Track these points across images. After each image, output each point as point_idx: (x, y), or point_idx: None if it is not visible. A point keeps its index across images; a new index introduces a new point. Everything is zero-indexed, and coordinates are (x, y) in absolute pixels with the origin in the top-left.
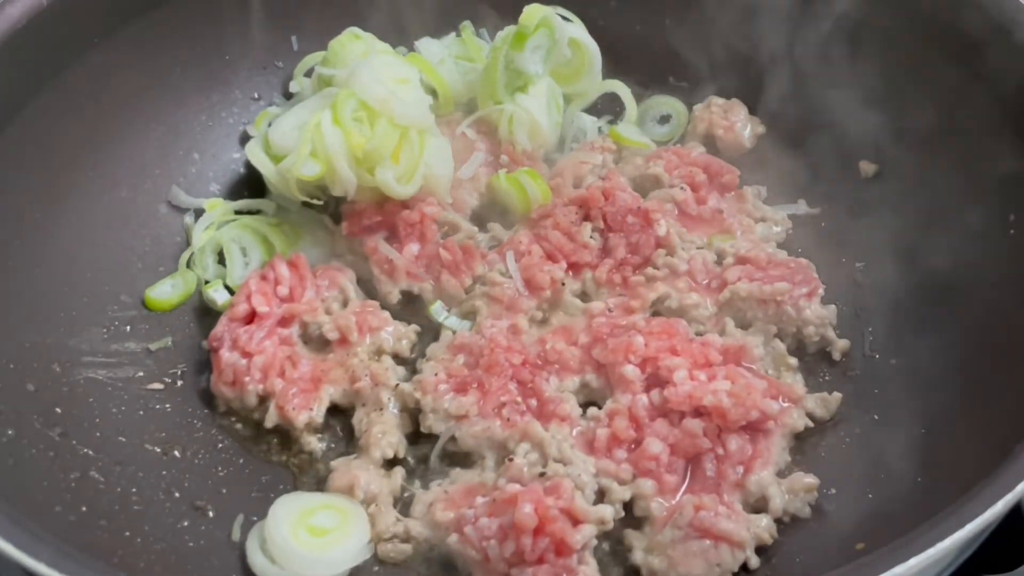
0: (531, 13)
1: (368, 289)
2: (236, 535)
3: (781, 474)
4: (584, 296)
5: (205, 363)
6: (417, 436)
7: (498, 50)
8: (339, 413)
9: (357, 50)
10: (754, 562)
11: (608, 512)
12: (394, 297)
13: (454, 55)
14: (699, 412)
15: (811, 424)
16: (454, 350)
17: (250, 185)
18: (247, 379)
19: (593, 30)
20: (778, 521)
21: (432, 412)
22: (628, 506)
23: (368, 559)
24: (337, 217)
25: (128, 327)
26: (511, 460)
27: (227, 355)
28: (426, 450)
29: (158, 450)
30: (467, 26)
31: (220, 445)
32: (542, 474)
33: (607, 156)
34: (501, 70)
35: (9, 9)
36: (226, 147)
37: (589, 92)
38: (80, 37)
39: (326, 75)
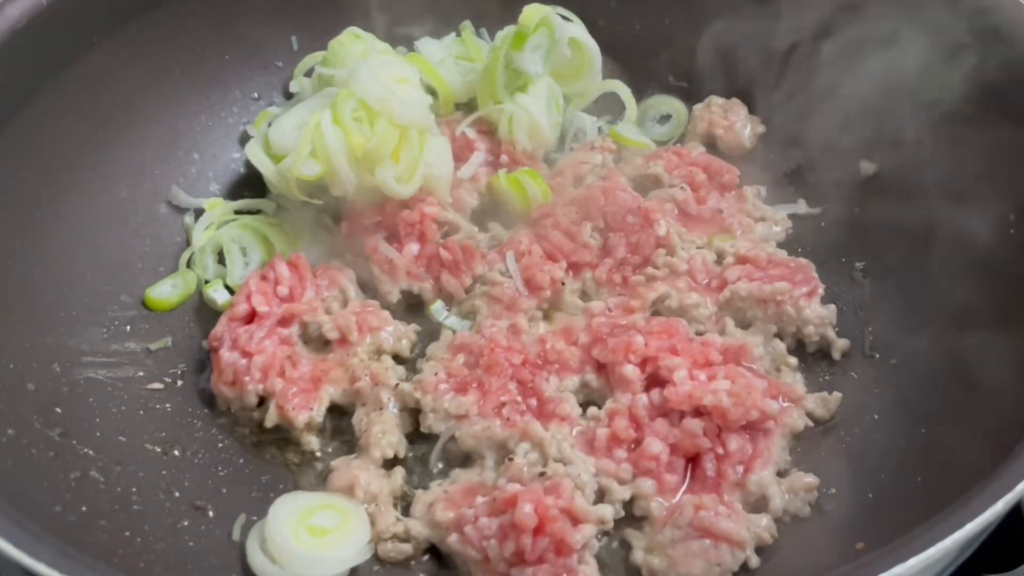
0: (531, 13)
1: (368, 289)
2: (236, 535)
3: (781, 474)
4: (584, 296)
5: (205, 363)
6: (417, 436)
7: (498, 50)
8: (339, 413)
9: (357, 50)
10: (754, 562)
11: (608, 512)
12: (394, 297)
13: (454, 55)
14: (699, 412)
15: (811, 424)
16: (454, 350)
17: (250, 185)
18: (247, 379)
19: (593, 30)
20: (778, 521)
21: (432, 412)
22: (628, 506)
23: (368, 559)
24: (337, 217)
25: (128, 327)
26: (511, 460)
27: (227, 355)
28: (426, 450)
29: (158, 450)
30: (467, 26)
31: (220, 445)
32: (542, 474)
33: (607, 156)
34: (501, 70)
35: (9, 9)
36: (226, 147)
37: (589, 92)
38: (80, 37)
39: (326, 75)
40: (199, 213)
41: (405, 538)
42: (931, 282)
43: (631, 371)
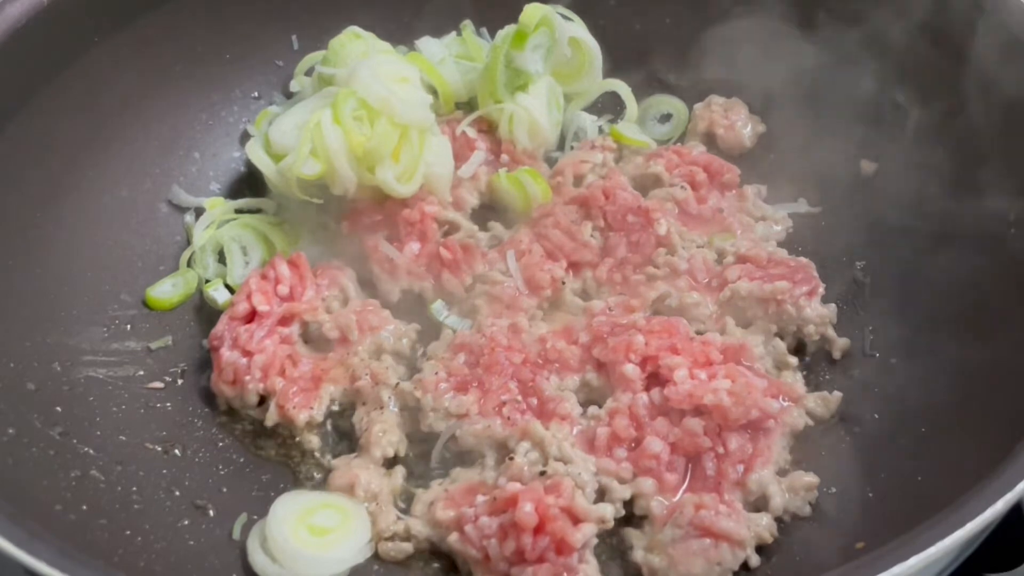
0: (531, 12)
1: (368, 288)
2: (237, 534)
3: (782, 473)
4: (584, 295)
5: (206, 362)
6: (418, 435)
7: (498, 49)
8: (340, 412)
9: (357, 49)
10: (754, 561)
11: (608, 511)
12: (394, 296)
13: (454, 54)
14: (699, 411)
15: (811, 423)
16: (454, 349)
17: (250, 184)
18: (247, 378)
19: (593, 29)
20: (778, 520)
21: (432, 411)
22: (628, 505)
23: (368, 558)
24: (337, 216)
25: (129, 326)
26: (511, 459)
27: (227, 354)
28: (426, 449)
29: (159, 449)
30: (467, 25)
31: (221, 444)
32: (542, 473)
33: (607, 155)
34: (501, 69)
35: (9, 9)
36: (226, 146)
37: (590, 91)
38: (80, 37)
39: (326, 74)
40: (200, 212)
41: (405, 537)
42: (932, 281)
43: (631, 370)
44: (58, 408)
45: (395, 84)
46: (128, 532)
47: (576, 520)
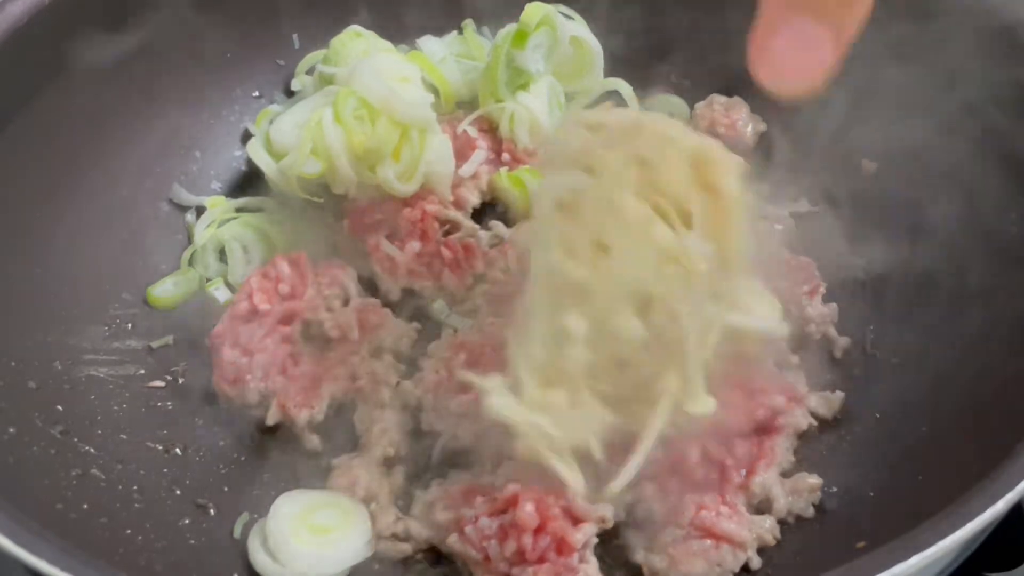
0: (532, 11)
1: (369, 287)
2: (237, 533)
3: (785, 474)
4: None
5: (206, 361)
6: (418, 435)
7: (499, 48)
8: (340, 411)
9: (358, 48)
10: (755, 563)
11: (609, 511)
12: (395, 295)
13: (455, 53)
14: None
15: (814, 423)
16: (455, 348)
17: (251, 183)
18: (248, 377)
19: (594, 28)
20: (781, 522)
21: (433, 410)
22: (630, 505)
23: (368, 557)
24: (338, 215)
25: (130, 325)
26: (512, 459)
27: (228, 353)
28: (427, 449)
29: (159, 448)
30: (468, 24)
31: (221, 443)
32: (543, 472)
33: None
34: (502, 68)
35: (10, 7)
36: (227, 145)
37: (591, 90)
38: (81, 35)
39: (327, 73)
40: (201, 211)
41: (405, 537)
42: (933, 281)
43: None
44: (59, 407)
45: (396, 83)
46: (129, 531)
47: (576, 520)
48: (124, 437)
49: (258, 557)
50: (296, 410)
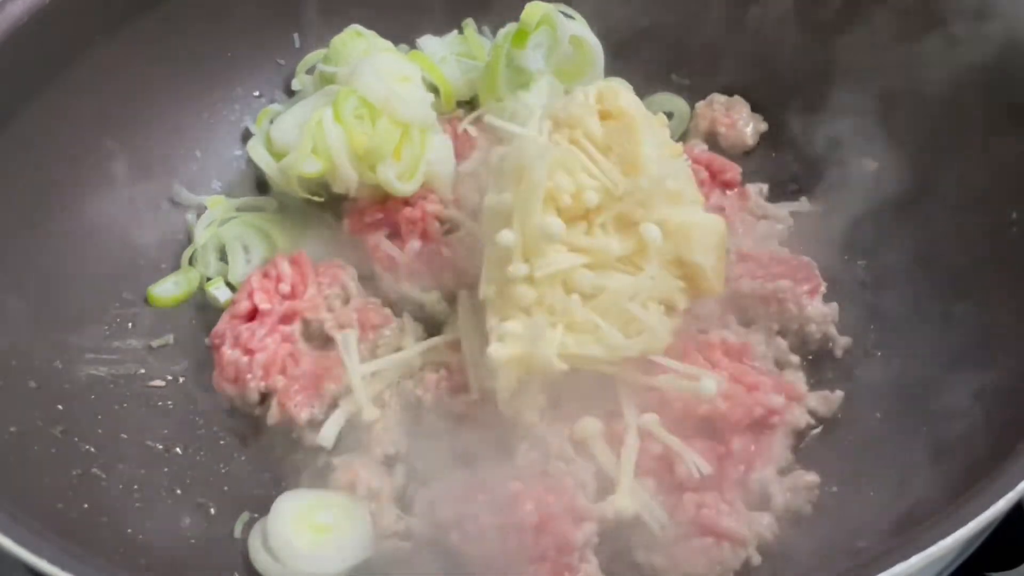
0: (533, 10)
1: (370, 286)
2: (238, 532)
3: (783, 472)
4: None
5: (207, 360)
6: (419, 433)
7: (500, 47)
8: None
9: (359, 48)
10: (756, 560)
11: (609, 510)
12: (395, 294)
13: (456, 52)
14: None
15: (813, 422)
16: (456, 347)
17: (252, 182)
18: (249, 376)
19: (595, 27)
20: (780, 519)
21: (434, 409)
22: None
23: (369, 556)
24: (339, 214)
25: (130, 324)
26: (512, 458)
27: (229, 352)
28: (427, 448)
29: (160, 447)
30: (469, 23)
31: (222, 442)
32: (543, 472)
33: None
34: (503, 67)
35: (10, 7)
36: (228, 144)
37: None
38: (82, 35)
39: (328, 73)
40: (201, 210)
41: (406, 536)
42: (934, 280)
43: None
44: (59, 406)
45: (396, 82)
46: (129, 530)
47: (577, 519)
48: (124, 436)
49: (259, 556)
50: (297, 409)
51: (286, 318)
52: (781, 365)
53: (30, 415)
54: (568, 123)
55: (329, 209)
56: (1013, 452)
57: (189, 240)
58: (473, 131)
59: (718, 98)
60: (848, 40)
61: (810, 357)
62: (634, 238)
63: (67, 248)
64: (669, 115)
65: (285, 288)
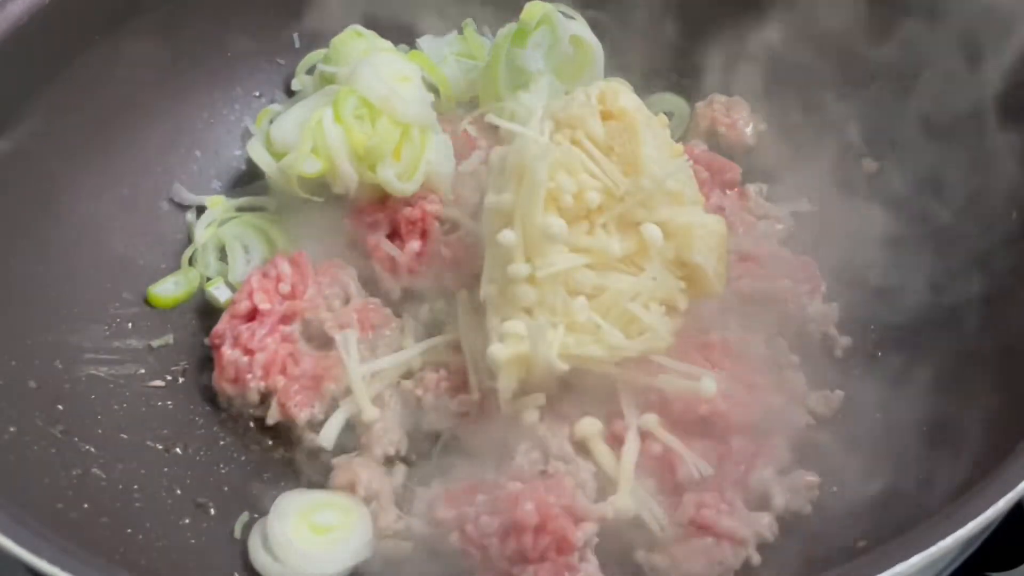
0: (532, 10)
1: (370, 286)
2: (238, 533)
3: (783, 472)
4: None
5: (207, 360)
6: (418, 434)
7: (499, 47)
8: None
9: (359, 48)
10: (756, 560)
11: (609, 510)
12: (396, 294)
13: (456, 52)
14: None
15: (813, 422)
16: (456, 347)
17: (252, 182)
18: (249, 376)
19: (595, 27)
20: (779, 519)
21: (434, 409)
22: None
23: (369, 557)
24: (339, 214)
25: (130, 324)
26: (512, 458)
27: (229, 352)
28: (427, 448)
29: (160, 447)
30: (469, 23)
31: (222, 442)
32: (543, 472)
33: None
34: (502, 67)
35: (11, 7)
36: (228, 144)
37: None
38: (82, 35)
39: (328, 72)
40: (201, 210)
41: (406, 536)
42: (934, 280)
43: None
44: (59, 406)
45: (396, 82)
46: (129, 530)
47: (577, 519)
48: (124, 436)
49: (259, 556)
50: (297, 409)
51: (286, 318)
52: (781, 365)
53: (30, 415)
54: (569, 123)
55: (329, 209)
56: (1013, 452)
57: (189, 240)
58: (473, 131)
59: (718, 98)
60: (849, 41)
61: (810, 357)
62: (635, 238)
63: (66, 248)
64: (669, 115)
65: (285, 288)
